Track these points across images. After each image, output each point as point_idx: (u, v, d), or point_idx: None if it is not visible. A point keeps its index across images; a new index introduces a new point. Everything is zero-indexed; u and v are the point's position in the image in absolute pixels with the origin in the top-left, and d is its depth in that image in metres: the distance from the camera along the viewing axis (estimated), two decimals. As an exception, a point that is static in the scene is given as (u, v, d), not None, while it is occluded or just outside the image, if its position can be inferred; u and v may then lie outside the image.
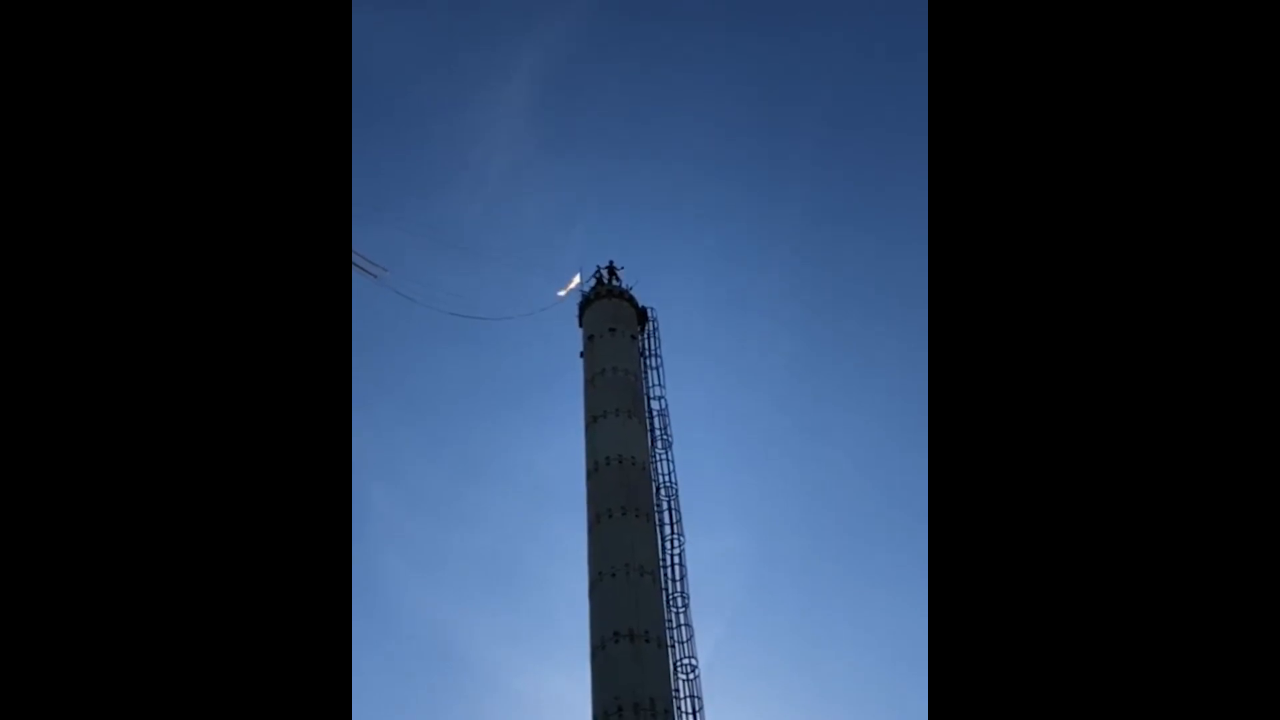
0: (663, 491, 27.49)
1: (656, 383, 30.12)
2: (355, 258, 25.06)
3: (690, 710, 23.55)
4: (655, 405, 29.51)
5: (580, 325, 32.22)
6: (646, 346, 31.23)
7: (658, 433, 28.84)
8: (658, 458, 28.28)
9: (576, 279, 32.87)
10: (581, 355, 31.36)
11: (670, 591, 25.52)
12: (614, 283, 32.49)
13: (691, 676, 24.12)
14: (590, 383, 30.12)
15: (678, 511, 27.08)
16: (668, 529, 26.70)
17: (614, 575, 25.21)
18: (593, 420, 29.06)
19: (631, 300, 32.09)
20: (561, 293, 32.85)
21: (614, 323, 31.28)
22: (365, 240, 28.22)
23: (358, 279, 28.07)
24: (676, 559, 26.15)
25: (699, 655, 24.49)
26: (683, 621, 24.99)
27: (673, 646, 24.51)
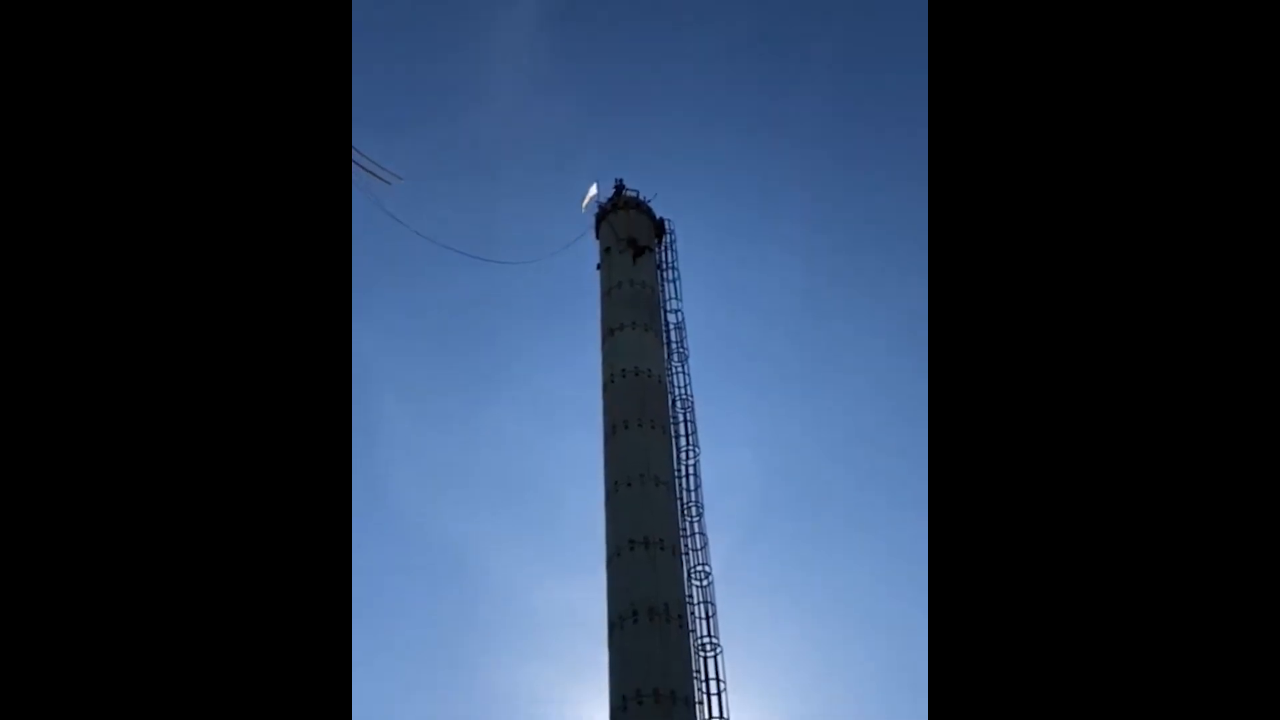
0: (678, 404, 27.68)
1: (673, 295, 30.08)
2: (368, 164, 24.68)
3: (704, 616, 24.10)
4: (672, 318, 29.52)
5: (597, 237, 32.04)
6: (664, 259, 31.07)
7: (674, 346, 28.90)
8: (674, 370, 28.39)
9: (594, 190, 32.60)
10: (598, 268, 31.25)
11: (685, 501, 25.89)
12: (630, 194, 32.21)
13: (705, 583, 24.63)
14: (607, 295, 30.08)
15: (693, 424, 27.33)
16: (683, 440, 26.97)
17: (629, 485, 25.57)
18: (609, 333, 29.11)
19: (649, 212, 31.81)
20: (583, 206, 32.59)
21: (631, 235, 31.06)
22: (377, 158, 27.71)
23: (379, 193, 27.78)
24: (691, 469, 26.49)
25: (711, 563, 24.97)
26: (697, 530, 25.41)
27: (687, 554, 24.96)
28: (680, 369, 28.36)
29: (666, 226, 31.62)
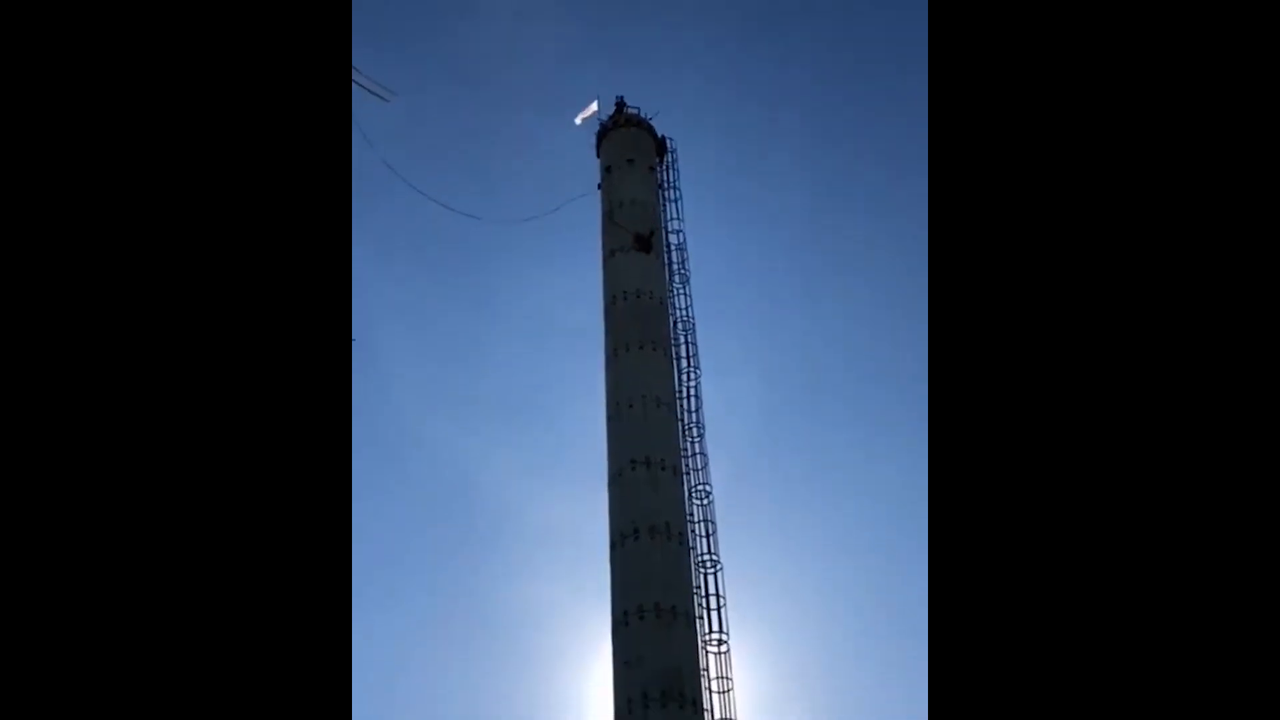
0: (679, 326, 27.70)
1: (675, 216, 29.86)
2: (363, 80, 24.15)
3: (704, 534, 24.48)
4: (673, 239, 29.35)
5: (597, 155, 31.67)
6: (665, 178, 30.78)
7: (675, 267, 28.79)
8: (675, 292, 28.34)
9: (594, 106, 32.11)
10: (599, 187, 30.98)
11: (686, 422, 26.10)
12: (631, 111, 31.76)
13: (705, 502, 24.98)
14: (608, 215, 29.87)
15: (694, 345, 27.41)
16: (684, 362, 27.08)
17: (631, 406, 25.76)
18: (610, 254, 28.98)
19: (650, 130, 31.40)
20: (578, 120, 32.19)
21: (632, 153, 30.72)
22: (372, 74, 27.01)
23: (373, 109, 27.30)
24: (692, 391, 26.64)
25: (712, 483, 25.28)
26: (698, 450, 25.67)
27: (688, 474, 25.26)
28: (681, 290, 28.33)
29: (668, 145, 31.26)
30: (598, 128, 31.74)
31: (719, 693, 22.46)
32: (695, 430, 25.99)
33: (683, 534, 24.14)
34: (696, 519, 24.68)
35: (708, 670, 22.65)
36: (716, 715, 22.11)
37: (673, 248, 29.15)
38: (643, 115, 31.66)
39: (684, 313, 27.95)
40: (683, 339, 27.46)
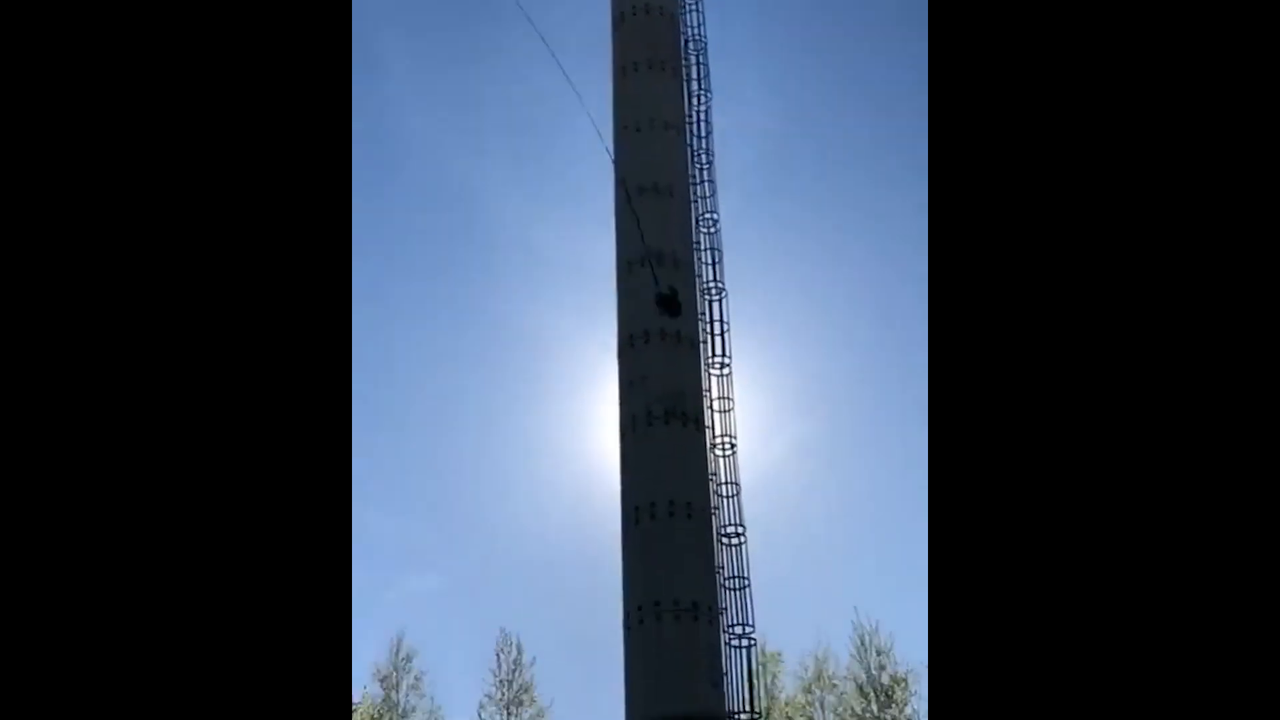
0: (690, 46, 26.60)
1: (688, -79, 27.86)
2: None
3: (710, 261, 24.78)
4: (687, -53, 27.57)
5: None
6: (679, -123, 28.46)
7: (687, -19, 27.27)
8: (687, 8, 26.97)
9: None
10: (608, -113, 28.74)
11: (695, 148, 25.70)
12: None
13: (712, 230, 25.09)
14: (617, -79, 27.92)
15: (705, 67, 26.43)
16: (695, 85, 26.23)
17: (639, 130, 25.26)
18: (620, -37, 27.37)
19: None
20: None
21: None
22: None
23: None
24: (702, 115, 25.99)
25: (720, 211, 25.29)
26: (706, 178, 25.44)
27: (695, 201, 25.20)
28: (694, 7, 26.96)
29: None
30: None
31: (720, 412, 23.65)
32: (704, 156, 25.64)
33: (691, 262, 24.47)
34: (703, 246, 24.88)
35: (710, 391, 23.70)
36: (717, 431, 23.40)
37: (686, -42, 27.46)
38: None
39: (696, 30, 26.75)
40: (694, 59, 26.45)
